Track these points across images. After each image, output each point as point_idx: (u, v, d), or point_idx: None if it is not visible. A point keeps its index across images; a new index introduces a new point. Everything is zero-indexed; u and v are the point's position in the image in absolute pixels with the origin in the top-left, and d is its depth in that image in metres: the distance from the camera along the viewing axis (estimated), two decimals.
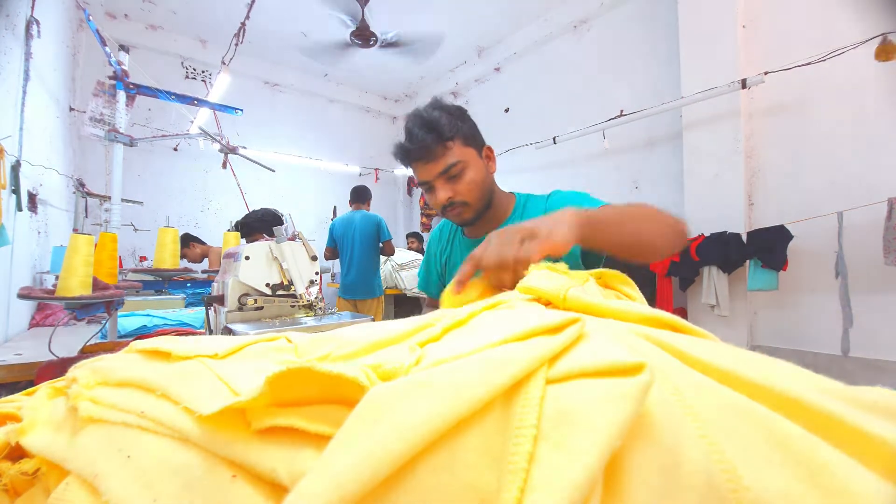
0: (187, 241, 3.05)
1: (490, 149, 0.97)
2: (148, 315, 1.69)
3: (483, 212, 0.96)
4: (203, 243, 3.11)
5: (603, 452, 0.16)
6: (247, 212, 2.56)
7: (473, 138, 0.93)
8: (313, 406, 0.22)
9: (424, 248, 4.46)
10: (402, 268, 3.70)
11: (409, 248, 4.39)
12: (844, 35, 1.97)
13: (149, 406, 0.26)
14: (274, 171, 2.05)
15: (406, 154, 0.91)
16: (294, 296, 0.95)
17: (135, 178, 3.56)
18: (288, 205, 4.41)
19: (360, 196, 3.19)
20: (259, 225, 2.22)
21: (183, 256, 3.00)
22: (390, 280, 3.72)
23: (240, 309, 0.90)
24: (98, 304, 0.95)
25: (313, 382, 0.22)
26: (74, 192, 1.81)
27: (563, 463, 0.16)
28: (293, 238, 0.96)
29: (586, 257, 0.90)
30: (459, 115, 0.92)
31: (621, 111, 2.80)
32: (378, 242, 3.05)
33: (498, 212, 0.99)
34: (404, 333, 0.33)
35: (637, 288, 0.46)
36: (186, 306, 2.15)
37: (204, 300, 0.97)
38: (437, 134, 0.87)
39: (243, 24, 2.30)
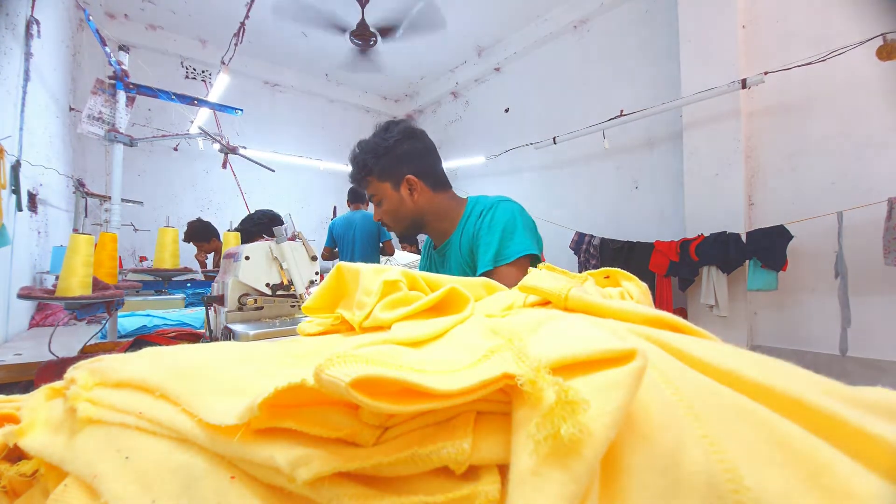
0: (209, 235, 3.01)
1: (412, 178, 1.04)
2: (148, 315, 1.68)
3: (408, 233, 1.11)
4: (219, 239, 3.07)
5: (599, 445, 0.16)
6: (247, 213, 2.56)
7: (389, 173, 1.04)
8: (313, 407, 0.22)
9: (419, 249, 4.51)
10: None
11: (403, 251, 4.40)
12: (844, 35, 1.97)
13: (147, 407, 0.25)
14: (274, 171, 2.05)
15: (351, 180, 1.11)
16: (294, 296, 0.95)
17: (135, 178, 3.56)
18: (288, 205, 4.41)
19: (358, 196, 3.19)
20: (257, 229, 2.23)
21: (198, 246, 2.98)
22: None
23: (240, 309, 0.90)
24: (98, 304, 0.95)
25: (309, 392, 0.21)
26: (74, 192, 1.81)
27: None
28: (293, 238, 0.96)
29: None
30: (375, 151, 1.03)
31: (621, 111, 2.80)
32: (379, 242, 3.06)
33: (445, 223, 1.10)
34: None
35: (637, 280, 0.45)
36: (186, 306, 2.14)
37: (204, 300, 0.97)
38: (356, 171, 1.06)
39: (243, 23, 2.30)
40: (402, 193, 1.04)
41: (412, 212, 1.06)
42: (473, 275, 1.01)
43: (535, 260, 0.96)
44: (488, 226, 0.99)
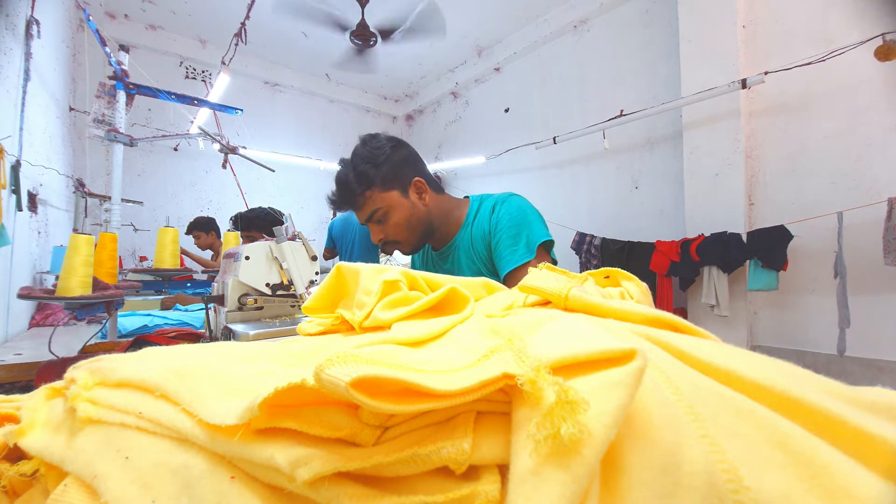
0: (209, 228, 3.05)
1: (419, 181, 1.00)
2: (148, 315, 1.68)
3: (420, 243, 1.02)
4: (219, 236, 3.09)
5: (599, 445, 0.16)
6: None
7: (395, 179, 0.96)
8: (312, 408, 0.22)
9: None
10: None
11: None
12: (844, 35, 1.97)
13: (147, 407, 0.25)
14: (274, 171, 2.05)
15: (334, 205, 1.03)
16: (294, 296, 0.95)
17: (135, 178, 3.56)
18: (288, 205, 4.41)
19: None
20: (259, 222, 2.25)
21: (196, 236, 3.02)
22: None
23: (240, 309, 0.90)
24: (98, 304, 0.95)
25: (309, 392, 0.21)
26: (74, 192, 1.81)
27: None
28: (293, 238, 0.96)
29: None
30: (374, 160, 0.95)
31: (621, 111, 2.79)
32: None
33: (450, 226, 1.05)
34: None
35: (638, 280, 0.46)
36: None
37: (204, 300, 0.97)
38: (350, 191, 0.96)
39: (243, 24, 2.29)
40: (411, 199, 0.98)
41: (425, 215, 1.00)
42: (489, 272, 0.99)
43: (550, 245, 0.95)
44: (507, 222, 0.96)
